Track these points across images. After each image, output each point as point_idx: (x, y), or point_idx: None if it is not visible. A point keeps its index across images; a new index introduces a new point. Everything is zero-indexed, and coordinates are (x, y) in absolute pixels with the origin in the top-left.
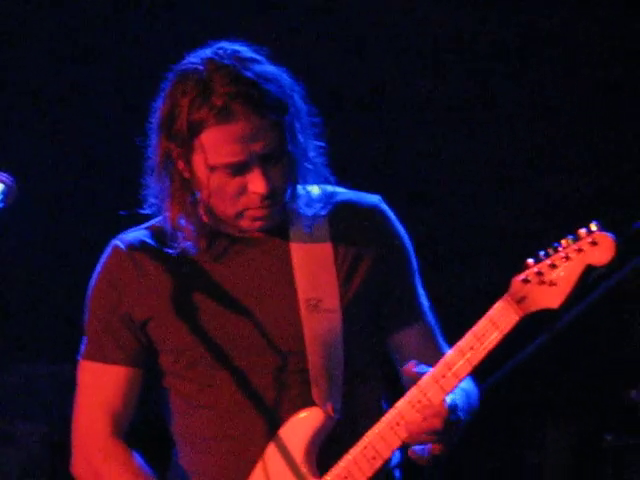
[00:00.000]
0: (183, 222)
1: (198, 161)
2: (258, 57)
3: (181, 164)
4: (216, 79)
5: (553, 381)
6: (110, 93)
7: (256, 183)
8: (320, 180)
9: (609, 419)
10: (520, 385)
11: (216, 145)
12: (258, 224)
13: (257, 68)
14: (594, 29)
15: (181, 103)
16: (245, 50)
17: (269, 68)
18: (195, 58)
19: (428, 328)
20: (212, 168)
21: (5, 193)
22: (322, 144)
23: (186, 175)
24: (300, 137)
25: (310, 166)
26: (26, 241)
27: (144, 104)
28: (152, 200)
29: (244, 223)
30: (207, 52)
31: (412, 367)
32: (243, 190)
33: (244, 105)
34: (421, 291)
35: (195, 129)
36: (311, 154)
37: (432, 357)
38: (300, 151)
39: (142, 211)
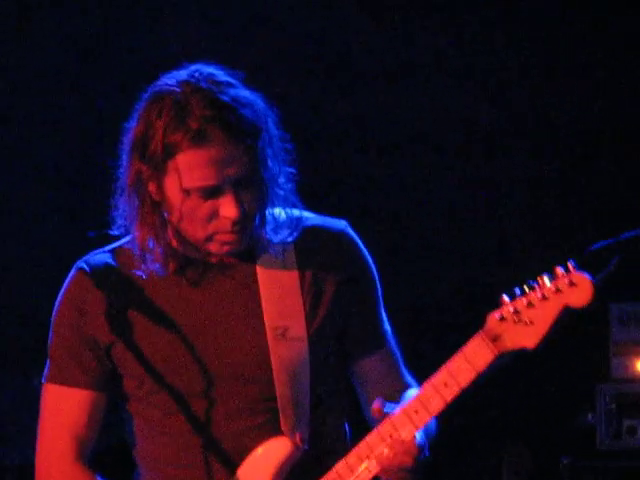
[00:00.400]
0: (151, 244)
1: (170, 184)
2: (233, 81)
3: (152, 186)
4: (193, 102)
5: (509, 405)
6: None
7: (228, 208)
8: (288, 205)
9: (565, 442)
10: (476, 409)
11: (190, 168)
12: (227, 248)
13: (233, 92)
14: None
15: (156, 125)
16: (220, 74)
17: (244, 92)
18: (170, 79)
19: (391, 355)
20: (185, 191)
21: None
22: (292, 170)
23: (156, 197)
24: (271, 162)
25: (280, 191)
26: None
27: (116, 123)
28: (120, 221)
29: (213, 247)
30: (182, 74)
31: (380, 406)
32: (214, 214)
33: (220, 129)
34: (384, 317)
35: (170, 151)
36: (281, 180)
37: (394, 384)
38: (271, 176)
39: (111, 232)
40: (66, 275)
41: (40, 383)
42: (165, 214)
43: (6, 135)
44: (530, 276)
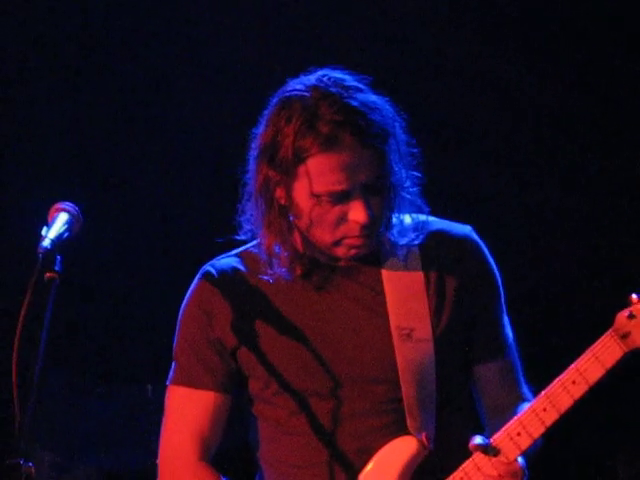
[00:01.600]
0: (278, 249)
1: (300, 189)
2: (361, 86)
3: (280, 191)
4: (322, 107)
5: (625, 408)
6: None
7: (357, 213)
8: (414, 210)
9: None
10: (592, 407)
11: (321, 173)
12: (354, 252)
13: (361, 97)
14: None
15: (286, 130)
16: (348, 78)
17: (372, 97)
18: (299, 85)
19: (509, 363)
20: (315, 196)
21: (70, 222)
22: (418, 174)
23: (284, 202)
24: (399, 167)
25: (407, 195)
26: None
27: (247, 133)
28: (247, 226)
29: (340, 251)
30: (311, 79)
31: (474, 444)
32: (343, 218)
33: (351, 134)
34: (507, 324)
35: (300, 156)
36: (408, 184)
37: (509, 394)
38: (398, 181)
39: (237, 237)
40: (190, 281)
41: (154, 390)
42: (292, 219)
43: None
44: None
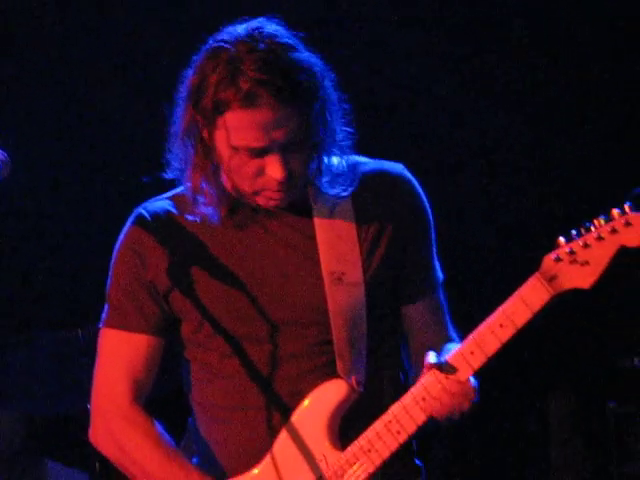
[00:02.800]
0: (204, 186)
1: (220, 138)
2: (293, 42)
3: (205, 132)
4: (247, 62)
5: (556, 349)
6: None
7: (274, 169)
8: (345, 155)
9: (611, 387)
10: (522, 353)
11: (238, 128)
12: (273, 203)
13: (290, 56)
14: None
15: (210, 79)
16: (282, 34)
17: (302, 55)
18: (231, 35)
19: (438, 304)
20: (233, 147)
21: None
22: (350, 130)
23: (209, 144)
24: (327, 125)
25: (337, 152)
26: (47, 210)
27: (171, 70)
28: (175, 165)
29: (260, 201)
30: (243, 30)
31: (431, 360)
32: (261, 172)
33: (270, 93)
34: (437, 265)
35: (220, 108)
36: (340, 142)
37: (438, 334)
38: (328, 139)
39: (165, 175)
40: (120, 223)
41: (85, 335)
42: (215, 162)
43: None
44: (587, 219)
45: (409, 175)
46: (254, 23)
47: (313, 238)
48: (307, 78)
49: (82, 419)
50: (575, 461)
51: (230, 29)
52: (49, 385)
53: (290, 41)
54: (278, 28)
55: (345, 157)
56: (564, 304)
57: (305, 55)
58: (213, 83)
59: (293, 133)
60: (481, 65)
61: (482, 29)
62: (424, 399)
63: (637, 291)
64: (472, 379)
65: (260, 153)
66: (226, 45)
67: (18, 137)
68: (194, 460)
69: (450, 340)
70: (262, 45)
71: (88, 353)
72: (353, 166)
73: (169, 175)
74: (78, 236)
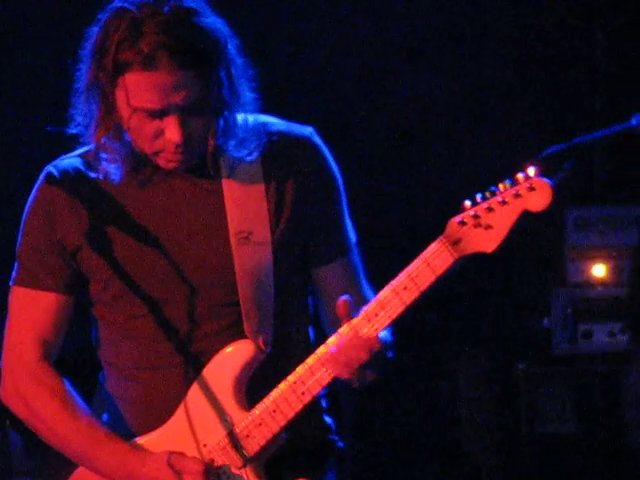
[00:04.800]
0: (107, 143)
1: (120, 97)
2: (197, 7)
3: (108, 90)
4: (149, 25)
5: (465, 309)
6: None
7: (171, 131)
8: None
9: (520, 347)
10: (432, 313)
11: (137, 89)
12: (172, 165)
13: (193, 20)
14: None
15: (112, 38)
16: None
17: (206, 20)
18: None
19: (352, 265)
20: (132, 108)
21: None
22: (256, 95)
23: (111, 101)
24: (233, 89)
25: (243, 115)
26: None
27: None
28: (79, 120)
29: (160, 162)
30: None
31: (345, 302)
32: (159, 133)
33: (169, 56)
34: (349, 227)
35: (120, 68)
36: (244, 104)
37: (352, 295)
38: (232, 103)
39: (69, 130)
40: (35, 180)
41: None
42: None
43: None
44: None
45: (317, 138)
46: None
47: (221, 198)
48: (209, 43)
49: None
50: (485, 422)
51: None
52: None
53: (195, 5)
54: None
55: (252, 119)
56: (475, 264)
57: (209, 20)
58: (115, 43)
59: (192, 97)
60: None
61: None
62: (328, 360)
63: (546, 250)
64: (382, 334)
65: (159, 114)
66: (130, 6)
67: None
68: (104, 417)
69: (365, 300)
70: (166, 8)
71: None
72: (261, 127)
73: (72, 130)
74: None
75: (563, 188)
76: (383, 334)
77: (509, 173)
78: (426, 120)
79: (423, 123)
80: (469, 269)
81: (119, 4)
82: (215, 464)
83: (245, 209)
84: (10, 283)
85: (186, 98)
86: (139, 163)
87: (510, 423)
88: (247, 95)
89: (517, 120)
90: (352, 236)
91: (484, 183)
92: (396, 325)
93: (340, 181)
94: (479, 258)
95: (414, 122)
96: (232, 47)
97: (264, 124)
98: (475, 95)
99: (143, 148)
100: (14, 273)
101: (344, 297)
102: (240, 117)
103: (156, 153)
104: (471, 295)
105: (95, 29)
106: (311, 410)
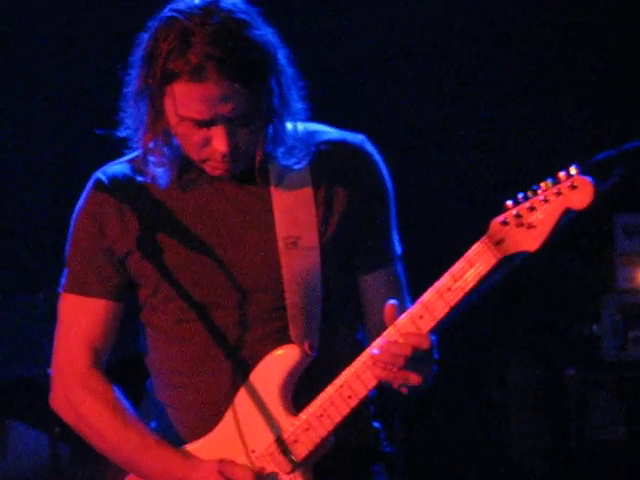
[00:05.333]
0: (156, 147)
1: (168, 105)
2: (247, 18)
3: (157, 96)
4: (199, 35)
5: (515, 315)
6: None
7: (218, 141)
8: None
9: (570, 353)
10: (481, 319)
11: (184, 99)
12: (219, 173)
13: (242, 32)
14: None
15: (161, 47)
16: (237, 9)
17: (255, 32)
18: (186, 5)
19: (396, 276)
20: (179, 117)
21: None
22: (305, 106)
23: (160, 108)
24: (283, 98)
25: (292, 123)
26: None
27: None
28: (129, 123)
29: (207, 169)
30: (200, 1)
31: (393, 305)
32: (207, 142)
33: (217, 68)
34: (395, 237)
35: (168, 77)
36: (293, 113)
37: None
38: (282, 113)
39: (118, 133)
40: (79, 184)
41: (47, 299)
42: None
43: None
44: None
45: (369, 146)
46: None
47: (269, 203)
48: (258, 55)
49: (43, 383)
50: (535, 429)
51: None
52: (13, 349)
53: (245, 17)
54: (236, 1)
55: (302, 128)
56: (522, 270)
57: (259, 32)
58: (164, 52)
59: (239, 108)
60: None
61: None
62: (372, 362)
63: (596, 257)
64: (431, 338)
65: (206, 124)
66: (180, 16)
67: None
68: (152, 424)
69: None
70: (216, 19)
71: (49, 317)
72: (311, 135)
73: (121, 133)
74: (39, 198)
75: (613, 194)
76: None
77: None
78: (467, 121)
79: (464, 123)
80: (519, 274)
81: (169, 13)
82: (264, 471)
83: (293, 214)
84: (59, 290)
85: (233, 109)
86: (187, 167)
87: (560, 430)
88: (296, 104)
89: (567, 122)
90: (398, 247)
91: (527, 183)
92: (445, 332)
93: (391, 190)
94: (529, 263)
95: (454, 123)
96: (282, 57)
97: (314, 132)
98: (522, 94)
99: (191, 155)
100: (63, 280)
101: (392, 301)
102: (289, 125)
103: (203, 161)
104: (521, 302)
105: (145, 36)
106: (359, 415)
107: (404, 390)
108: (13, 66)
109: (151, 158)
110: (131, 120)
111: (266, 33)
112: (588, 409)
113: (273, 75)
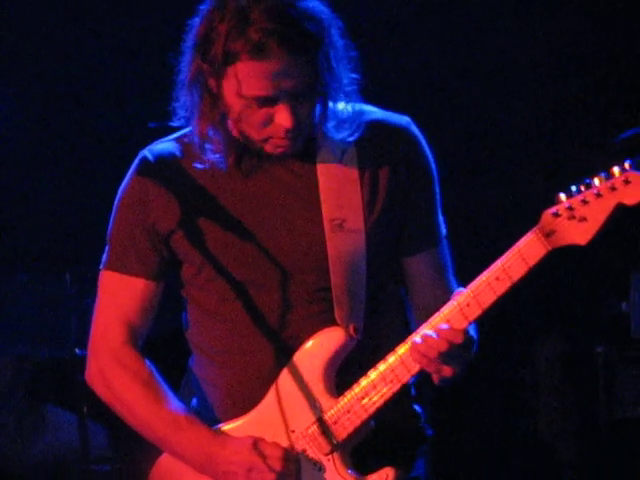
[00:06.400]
0: (211, 133)
1: (229, 87)
2: None
3: (212, 82)
4: (255, 12)
5: (543, 293)
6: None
7: (282, 117)
8: (352, 101)
9: (599, 331)
10: (511, 297)
11: (248, 78)
12: (280, 150)
13: (297, 4)
14: None
15: (218, 29)
16: None
17: (309, 4)
18: None
19: (441, 257)
20: (242, 96)
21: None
22: (357, 77)
23: (217, 92)
24: (334, 72)
25: (343, 98)
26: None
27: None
28: (181, 113)
29: (268, 148)
30: None
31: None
32: (269, 120)
33: (279, 43)
34: (440, 219)
35: (229, 58)
36: (345, 88)
37: (438, 287)
38: (334, 86)
39: (171, 124)
40: (130, 164)
41: (73, 280)
42: (223, 109)
43: None
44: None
45: (415, 128)
46: None
47: (316, 185)
48: (314, 27)
49: (71, 363)
50: (564, 405)
51: None
52: (41, 328)
53: None
54: None
55: (351, 103)
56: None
57: (312, 3)
58: (222, 33)
59: (302, 82)
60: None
61: None
62: (412, 349)
63: (622, 236)
64: (471, 331)
65: (269, 102)
66: None
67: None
68: (193, 401)
69: (451, 295)
70: None
71: (75, 298)
72: (359, 113)
73: (176, 123)
74: (67, 179)
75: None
76: (470, 328)
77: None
78: (515, 118)
79: (513, 120)
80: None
81: None
82: (303, 451)
83: (339, 196)
84: (100, 266)
85: (296, 84)
86: (241, 152)
87: (589, 407)
88: (348, 77)
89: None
90: (443, 229)
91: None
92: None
93: (435, 173)
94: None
95: (506, 119)
96: (335, 30)
97: (361, 112)
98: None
99: (251, 135)
100: (104, 256)
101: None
102: (341, 102)
103: (265, 140)
104: (550, 280)
105: (197, 21)
106: (400, 398)
107: (436, 378)
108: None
109: (207, 145)
110: (184, 108)
111: (319, 4)
112: (617, 387)
113: (328, 46)
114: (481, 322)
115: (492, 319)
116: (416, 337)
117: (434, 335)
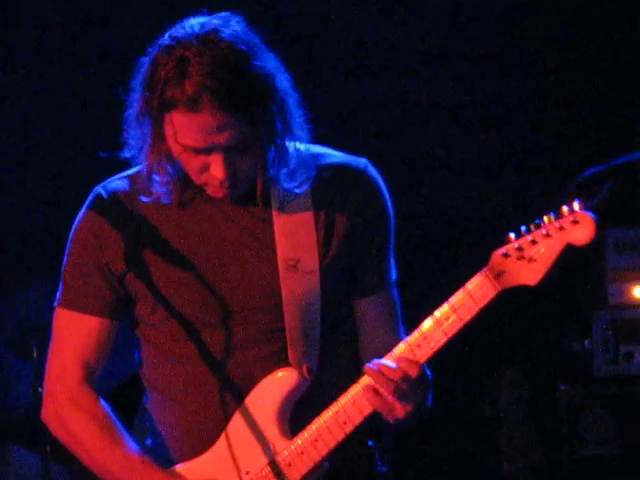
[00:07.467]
0: (159, 168)
1: (167, 130)
2: (247, 49)
3: (158, 121)
4: (195, 65)
5: (506, 331)
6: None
7: (216, 168)
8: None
9: (562, 368)
10: (473, 335)
11: (182, 128)
12: (219, 196)
13: (241, 64)
14: None
15: (160, 73)
16: (237, 39)
17: (254, 63)
18: (185, 33)
19: (390, 302)
20: (178, 144)
21: None
22: (307, 129)
23: (161, 131)
24: (281, 123)
25: (295, 146)
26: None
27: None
28: (132, 143)
29: (209, 191)
30: (200, 29)
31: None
32: (205, 168)
33: (212, 99)
34: (392, 263)
35: (166, 105)
36: (296, 134)
37: (387, 334)
38: (283, 136)
39: (122, 154)
40: (79, 197)
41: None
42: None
43: None
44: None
45: (372, 171)
46: (213, 22)
47: (270, 225)
48: (255, 87)
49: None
50: (526, 444)
51: (188, 24)
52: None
53: (244, 47)
54: (237, 30)
55: (304, 149)
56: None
57: (258, 63)
58: (162, 80)
59: (236, 137)
60: None
61: None
62: (365, 388)
63: (587, 272)
64: (427, 372)
65: (203, 151)
66: (178, 44)
67: None
68: (148, 441)
69: (399, 340)
70: (214, 49)
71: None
72: (314, 158)
73: (125, 154)
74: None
75: (603, 210)
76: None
77: (551, 199)
78: (464, 153)
79: (462, 155)
80: (510, 292)
81: (168, 41)
82: None
83: (294, 237)
84: (54, 304)
85: (230, 138)
86: (190, 186)
87: (551, 445)
88: (299, 127)
89: (559, 145)
90: (394, 273)
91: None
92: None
93: (392, 216)
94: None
95: (453, 155)
96: (284, 83)
97: (317, 155)
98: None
99: (192, 178)
100: (58, 294)
101: (369, 365)
102: (292, 148)
103: (204, 184)
104: (511, 317)
105: (145, 60)
106: (354, 437)
107: (390, 419)
108: (19, 79)
109: (155, 177)
110: (134, 140)
111: (266, 63)
112: (579, 425)
113: (273, 103)
114: (444, 358)
115: (455, 356)
116: (369, 364)
117: (390, 364)
